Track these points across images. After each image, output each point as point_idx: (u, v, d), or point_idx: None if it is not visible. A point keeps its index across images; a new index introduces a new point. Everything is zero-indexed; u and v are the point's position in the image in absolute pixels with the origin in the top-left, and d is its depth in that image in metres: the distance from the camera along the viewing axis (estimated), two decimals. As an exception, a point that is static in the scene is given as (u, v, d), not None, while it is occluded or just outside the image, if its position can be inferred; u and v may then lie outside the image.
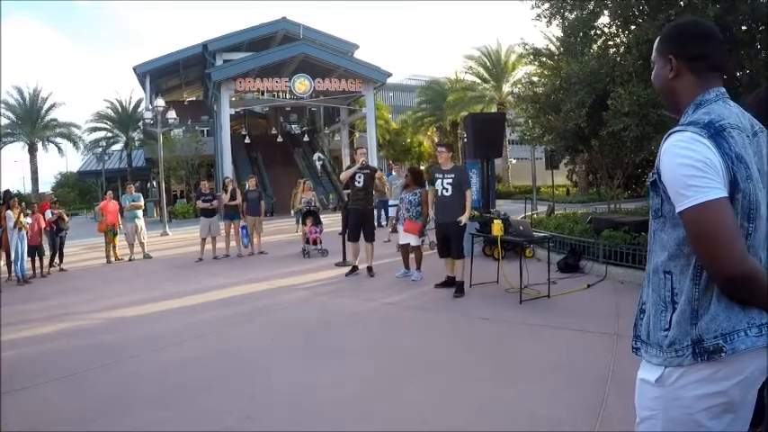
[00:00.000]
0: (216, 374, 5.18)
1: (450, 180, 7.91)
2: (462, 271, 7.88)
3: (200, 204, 13.92)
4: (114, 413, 4.39)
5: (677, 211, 1.57)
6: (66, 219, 13.22)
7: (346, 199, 11.08)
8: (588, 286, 8.01)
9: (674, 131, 1.61)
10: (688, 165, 1.52)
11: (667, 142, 1.61)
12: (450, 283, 8.11)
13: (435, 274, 8.71)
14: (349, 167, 9.98)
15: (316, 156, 34.63)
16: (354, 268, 9.95)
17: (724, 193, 1.49)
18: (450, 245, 7.97)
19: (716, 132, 1.55)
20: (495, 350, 5.54)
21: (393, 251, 11.56)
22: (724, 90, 1.71)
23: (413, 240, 9.08)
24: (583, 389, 4.33)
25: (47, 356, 6.12)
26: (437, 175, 8.10)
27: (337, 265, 10.68)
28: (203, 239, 13.35)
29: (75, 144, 43.02)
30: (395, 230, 11.84)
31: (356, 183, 9.58)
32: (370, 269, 9.76)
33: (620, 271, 8.29)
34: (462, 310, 7.17)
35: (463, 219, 7.81)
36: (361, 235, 9.62)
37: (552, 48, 14.96)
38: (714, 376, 1.57)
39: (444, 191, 7.95)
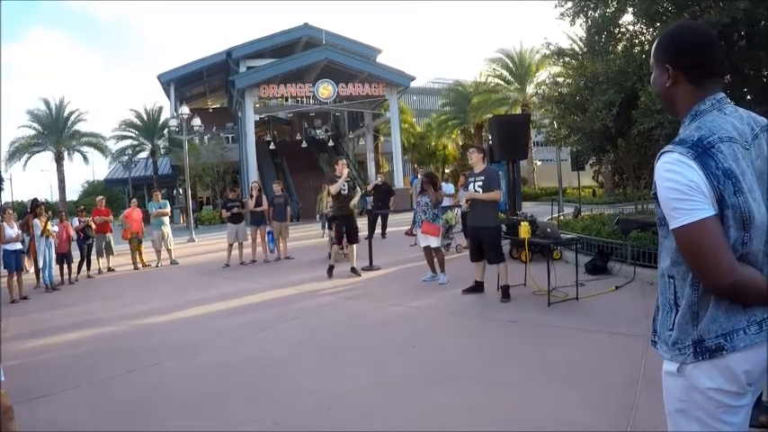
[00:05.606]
0: (242, 380, 5.20)
1: (481, 183, 7.68)
2: (506, 274, 7.68)
3: (225, 214, 14.08)
4: (140, 419, 4.44)
5: (670, 229, 1.67)
6: (93, 226, 13.37)
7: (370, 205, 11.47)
8: (616, 288, 7.90)
9: (664, 152, 1.67)
10: (673, 188, 1.61)
11: (658, 163, 1.68)
12: (478, 288, 8.03)
13: (463, 277, 8.65)
14: (333, 180, 10.40)
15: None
16: (331, 268, 10.60)
17: (709, 213, 1.57)
18: (482, 249, 7.82)
19: (703, 151, 1.61)
20: (523, 353, 5.48)
21: (419, 255, 11.50)
22: (721, 96, 1.75)
23: (433, 242, 9.04)
24: (613, 392, 4.27)
25: (74, 362, 6.21)
26: (469, 179, 7.93)
27: (364, 269, 10.66)
28: (230, 245, 13.46)
29: (102, 152, 43.66)
30: (411, 234, 11.96)
31: (342, 192, 10.34)
32: (353, 270, 10.46)
33: (649, 272, 8.13)
34: (490, 313, 7.12)
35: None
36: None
37: (576, 47, 14.83)
38: (720, 370, 1.65)
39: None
